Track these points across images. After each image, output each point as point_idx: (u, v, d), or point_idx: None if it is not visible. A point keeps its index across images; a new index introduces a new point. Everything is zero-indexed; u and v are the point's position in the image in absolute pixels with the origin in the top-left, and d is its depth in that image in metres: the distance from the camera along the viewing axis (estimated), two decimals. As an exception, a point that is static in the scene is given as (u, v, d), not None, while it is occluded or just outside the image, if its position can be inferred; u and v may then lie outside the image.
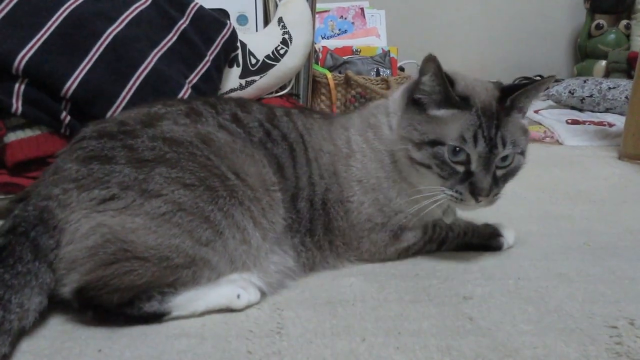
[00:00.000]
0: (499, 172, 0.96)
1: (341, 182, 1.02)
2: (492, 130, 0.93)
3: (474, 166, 0.94)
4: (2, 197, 1.22)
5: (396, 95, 1.06)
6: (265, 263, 0.90)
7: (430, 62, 0.93)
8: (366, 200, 1.02)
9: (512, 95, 0.96)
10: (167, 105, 0.98)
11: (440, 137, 0.94)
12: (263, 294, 0.89)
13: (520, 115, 1.00)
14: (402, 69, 2.55)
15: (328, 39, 2.53)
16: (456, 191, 0.95)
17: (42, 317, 0.79)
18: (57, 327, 0.80)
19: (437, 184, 0.96)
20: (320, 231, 0.99)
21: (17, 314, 0.73)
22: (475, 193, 0.94)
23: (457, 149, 0.93)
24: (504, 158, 0.96)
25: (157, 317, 0.81)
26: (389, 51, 2.32)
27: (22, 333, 0.75)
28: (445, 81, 0.94)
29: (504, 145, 0.94)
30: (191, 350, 0.76)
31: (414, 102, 0.98)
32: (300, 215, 0.98)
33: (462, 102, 0.94)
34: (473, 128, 0.93)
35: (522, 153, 0.98)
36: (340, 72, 2.21)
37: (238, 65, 1.65)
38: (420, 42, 2.60)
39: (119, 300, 0.78)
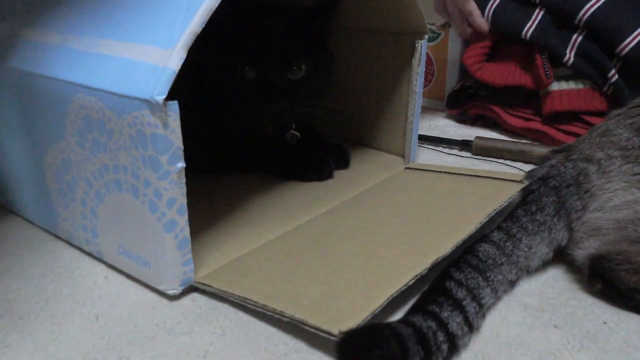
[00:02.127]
0: None
1: None
2: None
3: None
4: (532, 143, 1.27)
5: None
6: None
7: None
8: None
9: None
10: None
11: None
12: None
13: None
14: None
15: None
16: None
17: (543, 269, 0.80)
18: (559, 284, 0.80)
19: None
20: None
21: (524, 252, 0.76)
22: None
23: None
24: None
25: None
26: None
27: (526, 271, 0.78)
28: None
29: None
30: None
31: None
32: None
33: None
34: None
35: None
36: None
37: None
38: None
39: (635, 283, 0.72)
